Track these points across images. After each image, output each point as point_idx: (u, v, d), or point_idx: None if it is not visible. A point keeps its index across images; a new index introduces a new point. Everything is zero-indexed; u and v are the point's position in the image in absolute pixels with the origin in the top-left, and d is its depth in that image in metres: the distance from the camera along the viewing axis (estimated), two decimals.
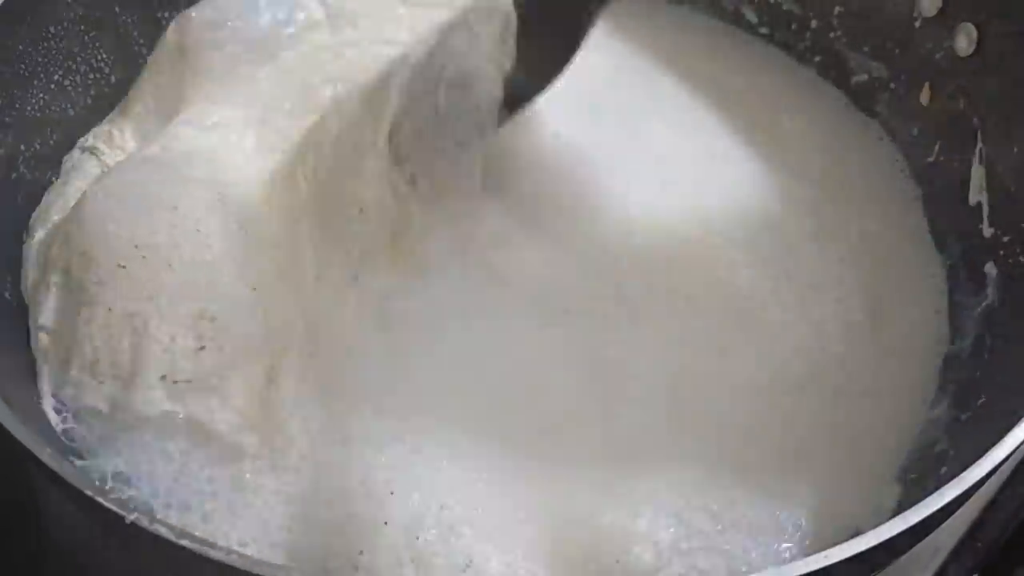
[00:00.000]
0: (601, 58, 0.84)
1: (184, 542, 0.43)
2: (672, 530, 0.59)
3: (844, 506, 0.62)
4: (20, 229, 0.69)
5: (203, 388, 0.60)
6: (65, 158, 0.74)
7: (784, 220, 0.76)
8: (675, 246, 0.73)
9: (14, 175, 0.69)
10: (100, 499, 0.45)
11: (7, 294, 0.65)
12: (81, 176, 0.73)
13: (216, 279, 0.63)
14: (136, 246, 0.63)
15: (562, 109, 0.75)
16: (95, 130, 0.76)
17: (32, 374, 0.62)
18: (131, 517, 0.44)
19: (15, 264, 0.67)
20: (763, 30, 0.89)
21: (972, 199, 0.72)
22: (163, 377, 0.60)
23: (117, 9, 0.77)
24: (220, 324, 0.62)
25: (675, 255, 0.72)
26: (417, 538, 0.56)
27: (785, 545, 0.59)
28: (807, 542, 0.60)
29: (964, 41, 0.73)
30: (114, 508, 0.45)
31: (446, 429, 0.62)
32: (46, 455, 0.47)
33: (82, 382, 0.61)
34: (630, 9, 0.88)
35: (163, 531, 0.43)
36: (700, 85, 0.83)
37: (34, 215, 0.70)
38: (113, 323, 0.61)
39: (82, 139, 0.75)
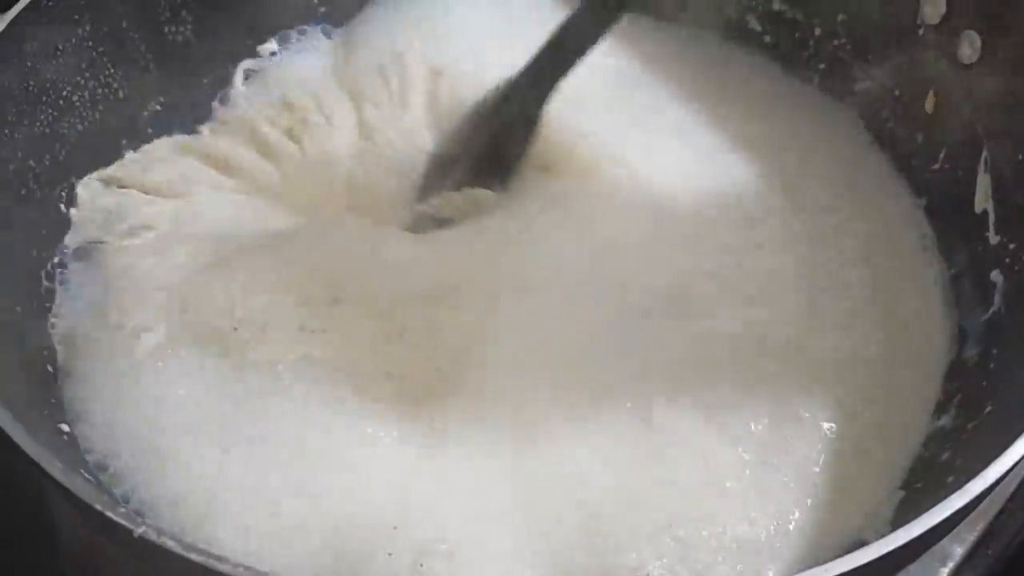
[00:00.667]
0: (605, 75, 0.85)
1: (192, 555, 0.43)
2: (671, 548, 0.59)
3: (848, 515, 0.62)
4: (31, 245, 0.69)
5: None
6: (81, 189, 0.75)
7: (786, 227, 0.76)
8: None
9: (23, 191, 0.69)
10: (109, 513, 0.45)
11: (19, 308, 0.66)
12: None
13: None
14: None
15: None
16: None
17: (44, 388, 0.63)
18: (139, 531, 0.44)
19: (27, 279, 0.68)
20: (767, 39, 0.89)
21: (978, 207, 0.72)
22: (301, 328, 0.66)
23: (125, 25, 0.77)
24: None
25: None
26: (421, 566, 0.57)
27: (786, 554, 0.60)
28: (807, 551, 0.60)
29: (968, 49, 0.73)
30: (123, 521, 0.45)
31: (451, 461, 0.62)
32: (56, 469, 0.48)
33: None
34: (630, 29, 0.88)
35: (171, 544, 0.44)
36: (700, 95, 0.84)
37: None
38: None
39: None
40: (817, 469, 0.63)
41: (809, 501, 0.62)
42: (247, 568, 0.43)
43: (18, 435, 0.49)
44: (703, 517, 0.61)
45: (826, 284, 0.73)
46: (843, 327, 0.70)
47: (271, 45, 0.87)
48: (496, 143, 0.77)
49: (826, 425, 0.65)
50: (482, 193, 0.76)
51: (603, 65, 0.82)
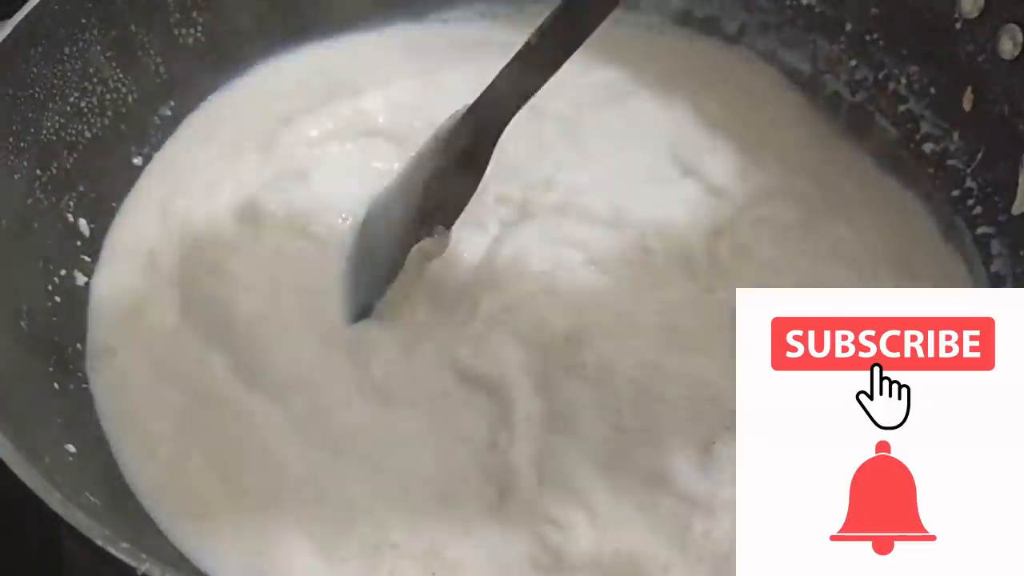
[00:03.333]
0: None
1: None
2: None
3: None
4: (37, 257, 0.68)
5: None
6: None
7: (813, 229, 0.74)
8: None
9: (30, 200, 0.68)
10: (111, 549, 0.44)
11: (23, 323, 0.64)
12: None
13: None
14: None
15: None
16: None
17: (49, 410, 0.61)
18: (142, 568, 0.43)
19: (32, 294, 0.66)
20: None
21: (1017, 208, 0.69)
22: None
23: (133, 28, 0.76)
24: None
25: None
26: None
27: None
28: None
29: (1008, 43, 0.70)
30: (124, 559, 0.43)
31: None
32: (55, 500, 0.46)
33: None
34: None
35: None
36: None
37: None
38: None
39: None
40: None
41: None
42: None
43: (18, 465, 0.47)
44: None
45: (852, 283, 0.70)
46: None
47: None
48: (443, 181, 0.67)
49: None
50: (429, 244, 0.67)
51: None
